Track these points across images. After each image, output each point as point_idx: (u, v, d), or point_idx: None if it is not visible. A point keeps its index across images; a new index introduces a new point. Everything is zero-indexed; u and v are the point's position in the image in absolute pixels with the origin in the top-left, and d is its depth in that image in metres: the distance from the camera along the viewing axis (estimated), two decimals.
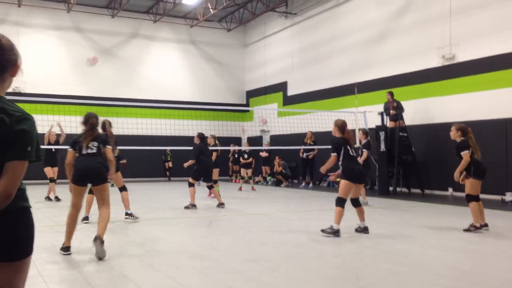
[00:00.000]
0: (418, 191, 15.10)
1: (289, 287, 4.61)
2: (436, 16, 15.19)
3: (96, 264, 5.49)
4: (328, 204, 12.29)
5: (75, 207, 6.18)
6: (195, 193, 11.18)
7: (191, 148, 11.69)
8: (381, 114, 15.60)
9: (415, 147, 15.17)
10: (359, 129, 12.39)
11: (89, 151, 6.22)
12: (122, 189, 9.27)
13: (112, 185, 11.33)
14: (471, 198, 7.70)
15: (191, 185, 11.16)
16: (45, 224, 8.53)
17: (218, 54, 25.17)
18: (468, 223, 7.90)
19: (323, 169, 7.67)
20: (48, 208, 11.16)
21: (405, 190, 15.50)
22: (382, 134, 15.05)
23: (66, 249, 6.02)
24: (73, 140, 6.33)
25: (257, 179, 21.01)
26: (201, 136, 11.53)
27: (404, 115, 15.16)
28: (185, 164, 11.61)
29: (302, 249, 6.40)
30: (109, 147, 6.41)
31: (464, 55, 14.37)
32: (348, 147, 7.43)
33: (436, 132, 14.87)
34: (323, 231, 7.37)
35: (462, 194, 13.96)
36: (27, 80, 20.12)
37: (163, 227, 8.25)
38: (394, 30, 16.78)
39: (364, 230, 7.65)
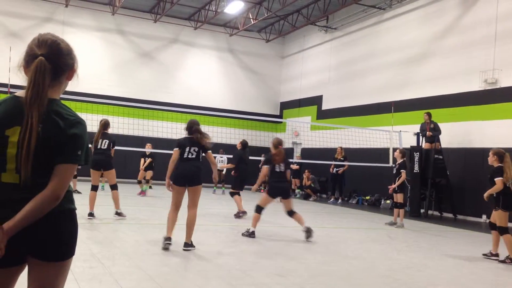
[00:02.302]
0: (450, 215, 14.75)
1: None
2: (480, 40, 14.89)
3: (124, 264, 5.54)
4: (357, 222, 12.14)
5: (175, 204, 6.81)
6: (241, 200, 11.20)
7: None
8: (417, 134, 15.35)
9: (450, 171, 14.83)
10: (398, 149, 12.17)
11: (190, 156, 6.86)
12: (114, 187, 9.49)
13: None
14: (503, 230, 7.46)
15: (233, 194, 11.29)
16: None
17: (255, 64, 25.30)
18: (501, 252, 7.66)
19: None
20: (80, 206, 11.37)
21: (436, 213, 15.17)
22: (416, 155, 14.79)
23: (167, 239, 6.63)
24: (178, 142, 7.00)
25: None
26: (244, 143, 11.64)
27: (441, 137, 14.87)
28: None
29: (329, 267, 6.31)
30: (210, 152, 7.03)
31: (507, 81, 14.02)
32: (276, 164, 8.26)
33: (474, 157, 14.52)
34: (242, 234, 8.26)
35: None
36: None
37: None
38: (436, 51, 16.51)
39: (307, 231, 8.28)
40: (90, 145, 12.78)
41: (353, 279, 5.77)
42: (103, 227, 8.32)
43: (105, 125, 9.60)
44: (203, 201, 14.79)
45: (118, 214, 9.39)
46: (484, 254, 7.89)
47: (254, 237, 8.05)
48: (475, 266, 7.15)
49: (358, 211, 15.24)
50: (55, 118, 2.02)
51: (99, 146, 9.45)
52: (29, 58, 2.06)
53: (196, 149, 6.87)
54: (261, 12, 21.25)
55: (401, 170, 11.24)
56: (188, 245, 6.67)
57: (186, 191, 6.84)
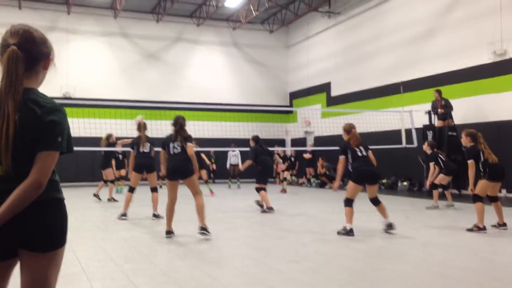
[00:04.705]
0: (469, 192, 14.52)
1: None
2: (486, 11, 14.59)
3: (137, 262, 5.53)
4: (372, 206, 11.99)
5: (171, 199, 7.16)
6: (267, 195, 10.61)
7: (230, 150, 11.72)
8: (429, 113, 15.13)
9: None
10: (426, 141, 12.16)
11: (175, 151, 7.14)
12: (154, 190, 9.50)
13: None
14: (477, 198, 7.65)
15: (259, 190, 10.69)
16: (92, 223, 8.72)
17: (261, 56, 25.18)
18: (508, 222, 7.60)
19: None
20: (97, 209, 11.44)
21: (455, 191, 14.94)
22: (429, 134, 14.60)
23: (167, 232, 7.10)
24: (163, 142, 7.31)
25: (301, 180, 20.88)
26: (256, 138, 11.19)
27: (454, 113, 14.63)
28: (242, 167, 11.56)
29: (344, 250, 6.23)
30: (190, 144, 7.17)
31: None
32: (356, 148, 7.57)
33: (488, 130, 14.20)
34: (338, 233, 7.43)
35: None
36: (76, 85, 20.82)
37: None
38: (442, 27, 16.24)
39: (389, 226, 7.50)
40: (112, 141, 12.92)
41: (368, 261, 5.69)
42: (118, 227, 8.33)
43: (145, 127, 9.55)
44: (218, 197, 14.76)
45: (156, 216, 9.24)
46: (493, 225, 7.93)
47: (353, 235, 7.18)
48: (493, 239, 7.03)
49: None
50: (31, 106, 1.99)
51: (141, 150, 9.34)
52: (3, 49, 2.04)
53: (179, 143, 7.12)
54: (262, 3, 21.10)
55: (429, 163, 11.24)
56: (203, 228, 6.89)
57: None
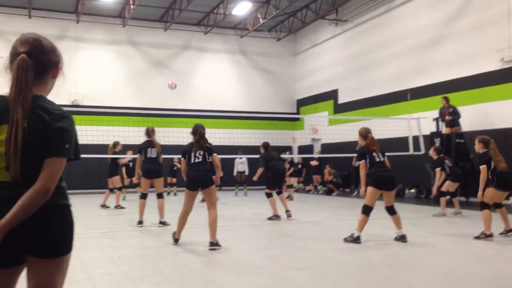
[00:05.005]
0: (476, 199, 14.42)
1: None
2: (494, 18, 14.56)
3: (143, 269, 5.55)
4: (380, 214, 11.95)
5: (186, 209, 7.08)
6: (275, 203, 10.46)
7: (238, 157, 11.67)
8: (436, 120, 15.08)
9: (474, 154, 14.51)
10: (432, 147, 12.09)
11: (196, 160, 7.03)
12: (160, 196, 9.43)
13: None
14: (484, 206, 7.63)
15: (269, 195, 10.54)
16: (99, 231, 8.76)
17: (268, 63, 25.24)
18: None
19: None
20: (104, 216, 11.49)
21: (462, 198, 14.85)
22: (437, 141, 14.53)
23: (176, 240, 7.13)
24: (183, 150, 7.18)
25: (308, 188, 20.85)
26: (265, 145, 11.09)
27: (462, 120, 14.57)
28: (255, 177, 11.16)
29: (351, 258, 6.21)
30: (215, 155, 7.16)
31: None
32: (374, 153, 7.46)
33: (496, 138, 14.04)
34: (345, 240, 7.36)
35: None
36: (84, 92, 20.98)
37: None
38: (449, 34, 16.21)
39: (402, 238, 7.39)
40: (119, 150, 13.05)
41: (374, 268, 5.67)
42: (125, 234, 8.37)
43: (153, 132, 9.63)
44: (224, 204, 14.77)
45: (162, 223, 9.19)
46: (501, 233, 7.89)
47: (360, 242, 7.12)
48: (500, 246, 7.00)
49: (382, 203, 15.02)
50: (40, 113, 2.02)
51: (148, 155, 9.38)
52: (13, 57, 2.09)
53: (202, 152, 7.04)
54: (270, 11, 21.18)
55: (435, 169, 11.19)
56: (214, 244, 6.75)
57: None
